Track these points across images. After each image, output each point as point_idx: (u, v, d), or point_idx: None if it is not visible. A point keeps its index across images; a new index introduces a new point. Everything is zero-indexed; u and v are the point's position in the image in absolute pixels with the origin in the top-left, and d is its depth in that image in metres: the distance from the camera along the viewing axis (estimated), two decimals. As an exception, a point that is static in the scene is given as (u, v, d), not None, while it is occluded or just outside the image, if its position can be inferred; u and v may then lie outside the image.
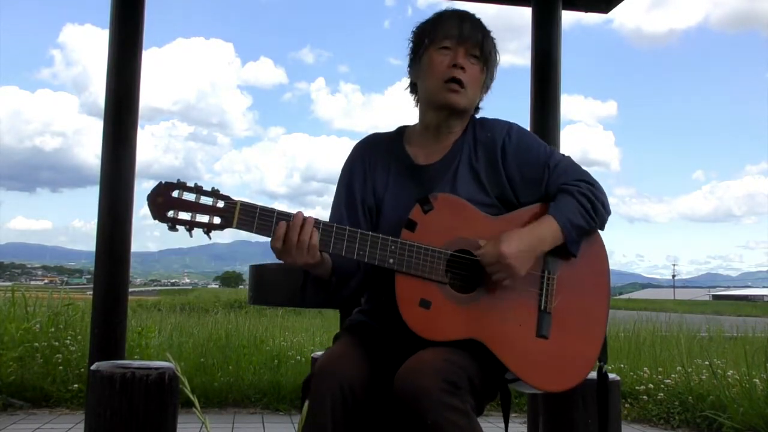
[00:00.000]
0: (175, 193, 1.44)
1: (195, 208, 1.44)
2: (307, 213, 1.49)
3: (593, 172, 1.69)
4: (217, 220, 1.44)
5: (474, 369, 1.49)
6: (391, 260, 1.52)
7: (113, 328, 3.13)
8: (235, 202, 1.45)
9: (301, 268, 1.55)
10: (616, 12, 3.91)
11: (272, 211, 1.47)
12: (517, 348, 1.56)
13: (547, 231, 1.59)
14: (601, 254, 1.70)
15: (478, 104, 1.76)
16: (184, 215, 1.44)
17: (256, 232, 1.45)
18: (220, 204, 1.44)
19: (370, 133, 1.81)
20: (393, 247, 1.52)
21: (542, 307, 1.59)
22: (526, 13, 3.64)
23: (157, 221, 1.43)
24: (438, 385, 1.37)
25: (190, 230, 1.43)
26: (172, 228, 1.43)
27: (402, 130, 1.80)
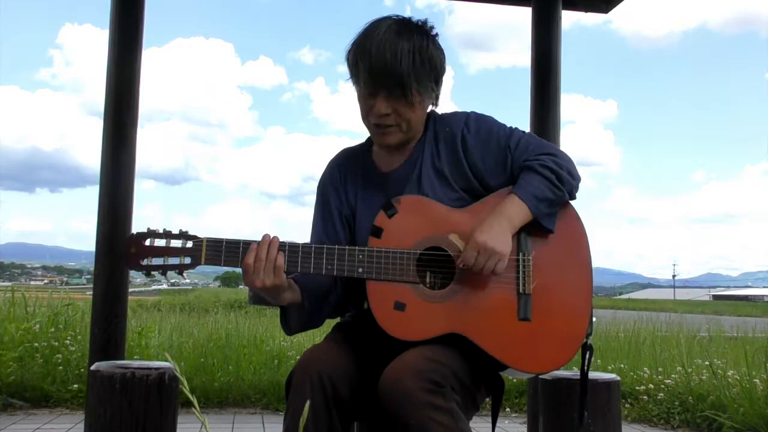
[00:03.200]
0: (147, 242, 1.54)
1: (166, 252, 1.54)
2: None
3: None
4: (187, 260, 1.54)
5: (459, 364, 1.49)
6: (360, 269, 1.54)
7: (113, 328, 3.13)
8: (201, 240, 1.53)
9: (272, 300, 1.57)
10: (616, 12, 3.90)
11: (237, 242, 1.53)
12: (500, 335, 1.55)
13: (513, 209, 1.57)
14: (575, 227, 1.66)
15: (434, 106, 1.71)
16: (157, 261, 1.54)
17: (224, 265, 1.53)
18: (189, 244, 1.53)
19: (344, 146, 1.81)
20: (360, 257, 1.55)
21: (521, 290, 1.57)
22: (526, 13, 3.64)
23: (132, 271, 1.52)
24: (420, 386, 1.37)
25: (164, 274, 1.54)
26: (148, 275, 1.54)
27: (370, 140, 1.80)
